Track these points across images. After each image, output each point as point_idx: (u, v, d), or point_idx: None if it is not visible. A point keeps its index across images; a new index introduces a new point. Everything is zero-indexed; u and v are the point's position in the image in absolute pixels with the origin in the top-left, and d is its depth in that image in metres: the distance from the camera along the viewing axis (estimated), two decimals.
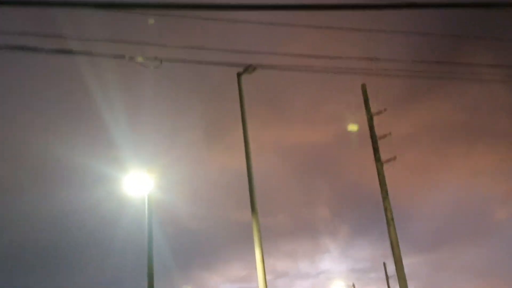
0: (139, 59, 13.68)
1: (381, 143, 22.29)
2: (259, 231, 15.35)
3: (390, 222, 21.01)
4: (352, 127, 23.41)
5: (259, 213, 15.65)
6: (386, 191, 21.49)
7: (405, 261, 20.73)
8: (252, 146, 16.96)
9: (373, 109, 22.82)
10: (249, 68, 17.35)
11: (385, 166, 21.94)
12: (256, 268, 14.77)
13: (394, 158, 21.97)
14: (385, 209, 21.21)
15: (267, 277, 14.77)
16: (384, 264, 50.03)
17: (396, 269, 20.59)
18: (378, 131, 22.45)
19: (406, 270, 20.44)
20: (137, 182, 18.92)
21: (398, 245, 20.76)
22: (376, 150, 22.21)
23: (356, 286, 42.92)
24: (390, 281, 48.68)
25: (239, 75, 17.90)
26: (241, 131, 17.30)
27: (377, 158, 22.06)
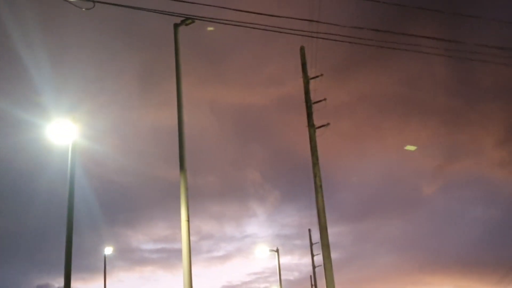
0: None
1: (315, 109, 22.13)
2: (186, 189, 14.90)
3: (318, 189, 21.00)
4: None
5: (188, 172, 15.18)
6: (317, 157, 21.42)
7: (331, 230, 20.88)
8: (186, 103, 16.36)
9: (311, 74, 22.58)
10: (187, 20, 16.60)
11: (318, 133, 21.84)
12: (180, 228, 14.38)
13: (327, 124, 21.90)
14: (315, 176, 21.18)
15: (192, 238, 14.44)
16: (309, 230, 50.90)
17: (320, 236, 20.68)
18: (314, 97, 22.28)
19: (331, 238, 20.59)
20: (61, 130, 17.96)
21: (324, 212, 20.81)
22: (309, 115, 22.05)
23: (280, 251, 43.32)
24: (314, 248, 49.65)
25: (176, 26, 17.11)
26: (175, 85, 16.63)
27: (310, 124, 21.92)
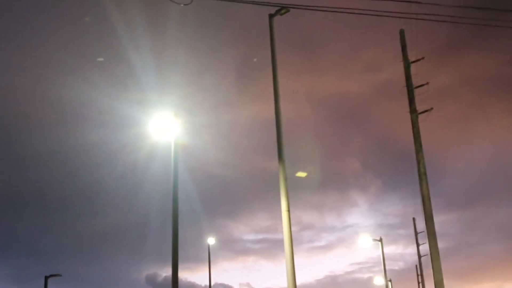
0: None
1: (417, 94, 21.39)
2: (285, 179, 14.85)
3: (422, 176, 20.33)
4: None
5: (287, 163, 15.11)
6: (420, 144, 20.73)
7: (436, 219, 20.14)
8: (283, 94, 16.27)
9: (411, 58, 21.83)
10: (282, 10, 16.47)
11: (420, 118, 21.10)
12: (281, 219, 14.35)
13: (430, 109, 21.12)
14: (418, 163, 20.51)
15: (292, 228, 14.37)
16: (414, 219, 49.42)
17: (426, 224, 20.02)
18: (416, 82, 21.52)
19: (437, 227, 19.87)
20: (163, 126, 18.46)
21: (429, 200, 20.13)
22: (411, 100, 21.34)
23: (383, 241, 42.44)
24: (419, 237, 48.21)
25: (271, 16, 17.03)
26: (271, 77, 16.57)
27: (412, 109, 21.22)
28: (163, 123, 18.43)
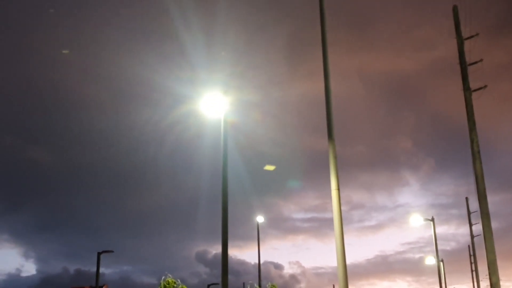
0: None
1: (471, 71, 20.85)
2: (335, 158, 14.74)
3: (476, 155, 19.90)
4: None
5: (337, 142, 14.99)
6: (474, 122, 20.25)
7: (490, 198, 19.71)
8: (333, 72, 16.07)
9: (465, 35, 21.25)
10: None
11: (474, 96, 20.59)
12: (330, 198, 14.29)
13: (484, 86, 20.57)
14: (472, 141, 20.07)
15: (342, 208, 14.29)
16: (467, 199, 48.51)
17: (479, 204, 19.64)
18: (470, 59, 20.96)
19: (490, 207, 19.46)
20: (213, 104, 18.59)
21: (483, 179, 19.71)
22: (465, 78, 20.83)
23: (435, 221, 41.81)
24: (472, 217, 47.31)
25: None
26: (321, 54, 16.38)
27: (466, 87, 20.72)
28: (213, 101, 18.56)
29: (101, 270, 37.73)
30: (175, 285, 33.62)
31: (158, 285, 33.36)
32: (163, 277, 34.05)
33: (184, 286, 30.50)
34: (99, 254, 37.26)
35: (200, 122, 19.85)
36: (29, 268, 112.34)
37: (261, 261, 44.51)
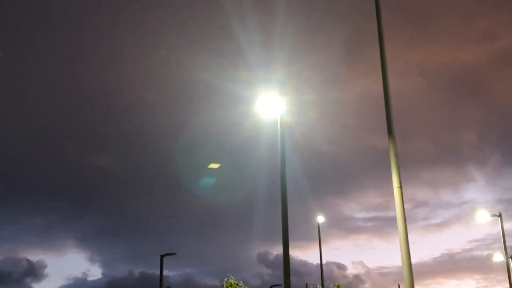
0: None
1: None
2: (396, 155, 14.37)
3: None
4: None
5: (398, 138, 14.61)
6: None
7: None
8: (392, 67, 15.71)
9: None
10: None
11: None
12: (392, 196, 13.95)
13: None
14: None
15: (406, 206, 13.92)
16: None
17: None
18: None
19: None
20: (270, 104, 18.50)
21: None
22: None
23: (503, 216, 40.40)
24: None
25: None
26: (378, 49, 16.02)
27: None
28: (269, 101, 18.47)
29: (165, 272, 38.19)
30: (237, 287, 33.70)
31: (221, 287, 33.53)
32: (225, 279, 34.26)
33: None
34: (162, 256, 37.70)
35: (257, 122, 19.79)
36: (95, 272, 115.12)
37: (324, 262, 44.12)
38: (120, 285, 70.24)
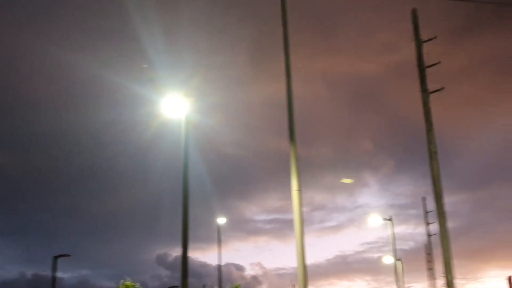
0: None
1: (430, 74, 21.18)
2: (296, 159, 14.82)
3: (433, 155, 20.26)
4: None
5: (301, 143, 15.07)
6: (431, 123, 20.61)
7: (447, 199, 20.08)
8: (297, 74, 16.14)
9: (425, 38, 21.57)
10: None
11: (432, 98, 20.95)
12: (292, 199, 14.35)
13: (442, 88, 20.95)
14: (429, 142, 20.42)
15: (304, 209, 14.37)
16: (423, 198, 49.49)
17: (435, 204, 19.99)
18: (429, 62, 21.28)
19: (447, 207, 19.82)
20: (174, 104, 18.48)
21: (439, 180, 20.07)
22: (422, 79, 21.17)
23: (394, 221, 42.42)
24: (429, 216, 48.20)
25: None
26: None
27: (423, 88, 21.07)
28: (174, 102, 18.45)
29: (59, 274, 37.06)
30: None
31: None
32: (121, 281, 33.61)
33: None
34: (55, 258, 36.52)
35: (162, 123, 19.69)
36: None
37: (223, 263, 44.46)
38: (11, 287, 67.16)
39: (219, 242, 43.52)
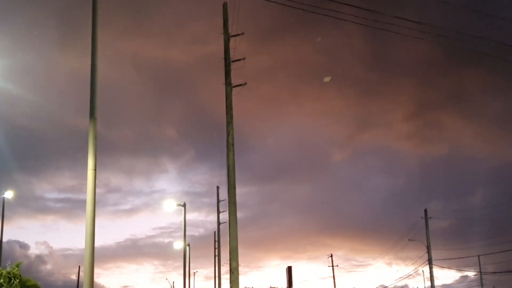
0: None
1: (235, 69, 21.94)
2: (95, 137, 14.45)
3: (230, 147, 21.04)
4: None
5: (104, 124, 14.72)
6: (231, 116, 21.39)
7: (241, 190, 21.10)
8: (106, 53, 15.75)
9: (233, 33, 22.28)
10: None
11: (234, 92, 21.75)
12: (87, 179, 13.98)
13: (244, 83, 21.86)
14: (228, 134, 21.17)
15: (99, 191, 14.10)
16: (217, 187, 51.21)
17: (228, 193, 20.83)
18: (235, 57, 22.03)
19: (240, 198, 20.76)
20: None
21: (234, 171, 20.92)
22: (227, 73, 21.88)
23: (188, 208, 43.28)
24: (222, 205, 50.04)
25: None
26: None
27: (227, 82, 21.79)
28: None
29: None
30: None
31: None
32: None
33: None
34: None
35: None
36: None
37: (6, 240, 41.80)
38: None
39: (2, 217, 40.92)
